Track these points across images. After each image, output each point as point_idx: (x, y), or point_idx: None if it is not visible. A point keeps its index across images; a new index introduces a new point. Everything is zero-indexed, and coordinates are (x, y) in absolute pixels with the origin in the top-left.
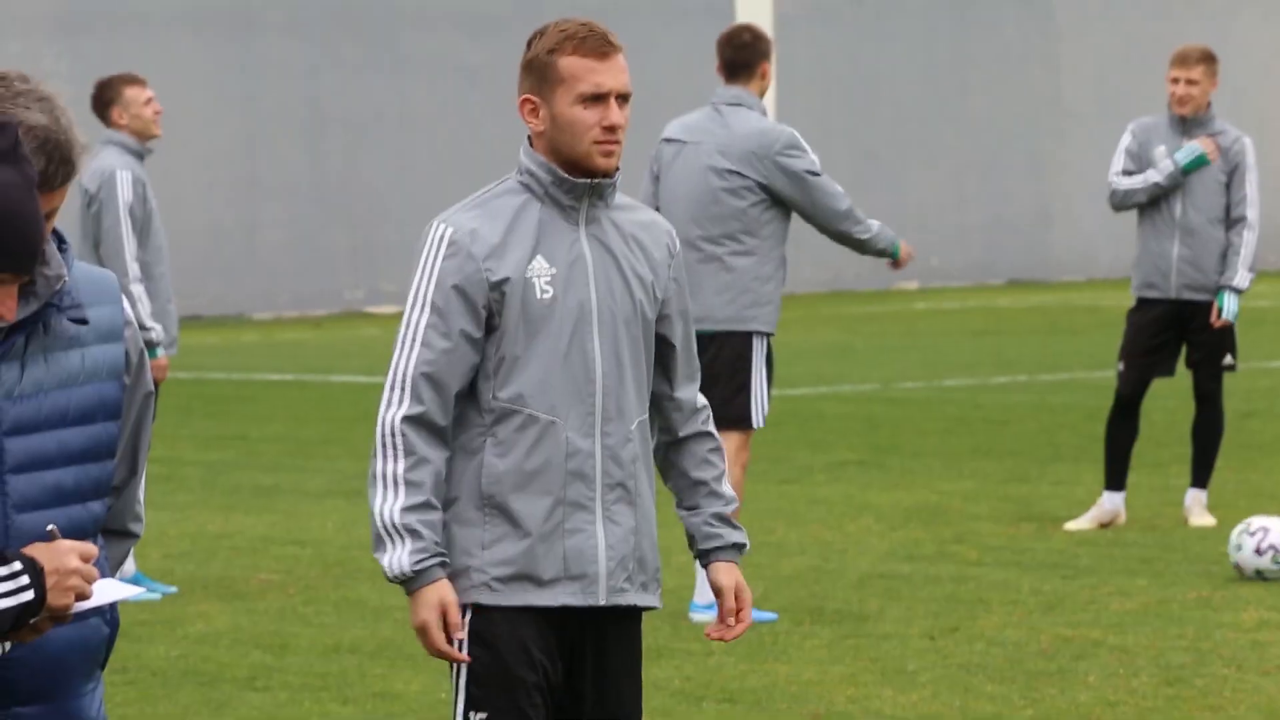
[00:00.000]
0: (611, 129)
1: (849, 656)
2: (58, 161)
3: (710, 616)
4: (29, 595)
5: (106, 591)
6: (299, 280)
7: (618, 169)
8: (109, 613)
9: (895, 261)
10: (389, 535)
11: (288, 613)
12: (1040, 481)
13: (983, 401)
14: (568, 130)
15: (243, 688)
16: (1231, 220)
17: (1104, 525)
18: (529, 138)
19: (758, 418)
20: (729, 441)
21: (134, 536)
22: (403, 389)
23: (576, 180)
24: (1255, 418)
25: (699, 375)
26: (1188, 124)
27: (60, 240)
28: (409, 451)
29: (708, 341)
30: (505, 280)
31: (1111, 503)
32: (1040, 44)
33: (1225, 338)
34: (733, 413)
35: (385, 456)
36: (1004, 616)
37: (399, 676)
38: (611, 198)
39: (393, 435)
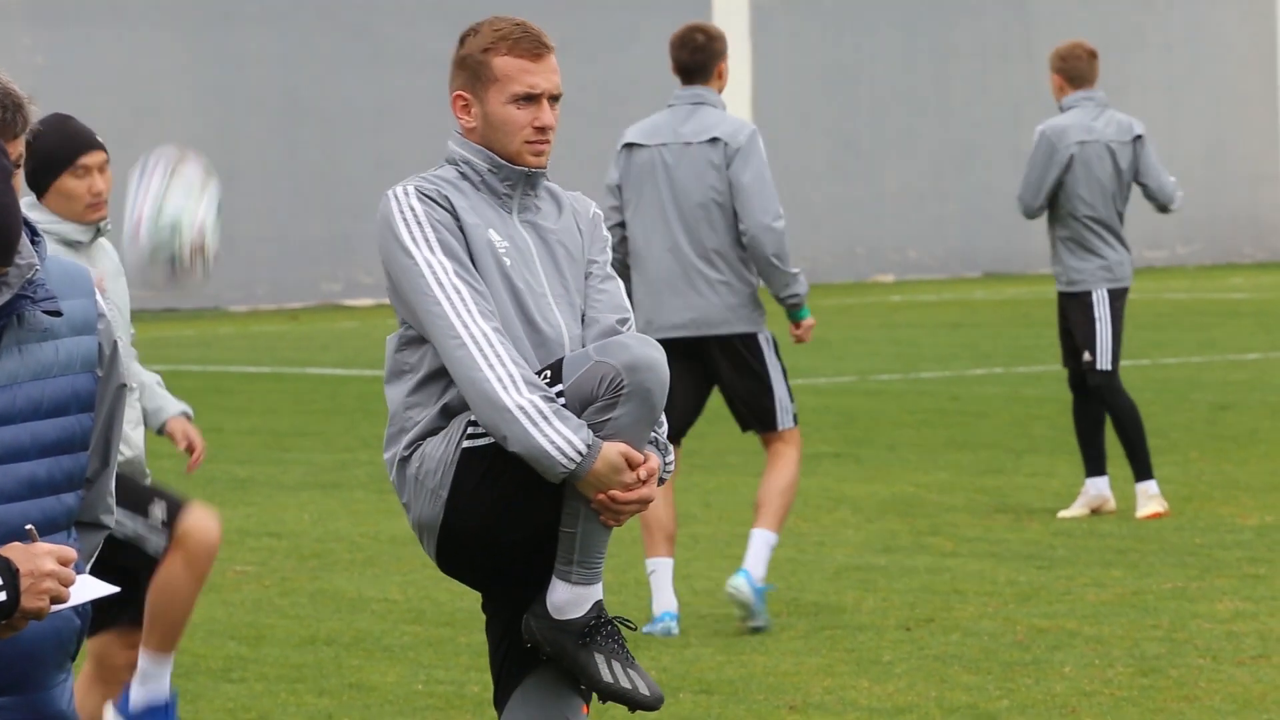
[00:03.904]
0: (543, 129)
1: (825, 648)
2: (12, 108)
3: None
4: (1, 596)
5: (83, 590)
6: (276, 272)
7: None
8: (81, 605)
9: (797, 324)
10: (536, 420)
11: (263, 604)
12: (1015, 473)
13: (958, 394)
14: (500, 129)
15: (218, 679)
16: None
17: (1095, 510)
18: (458, 132)
19: (785, 417)
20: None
21: (105, 528)
22: (472, 317)
23: (514, 167)
24: (1230, 410)
25: (625, 314)
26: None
27: (34, 233)
28: (512, 358)
29: (725, 344)
30: (470, 236)
31: (1096, 488)
32: (1019, 35)
33: (1085, 334)
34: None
35: (488, 362)
36: (980, 607)
37: (375, 668)
38: (541, 188)
39: (488, 340)
